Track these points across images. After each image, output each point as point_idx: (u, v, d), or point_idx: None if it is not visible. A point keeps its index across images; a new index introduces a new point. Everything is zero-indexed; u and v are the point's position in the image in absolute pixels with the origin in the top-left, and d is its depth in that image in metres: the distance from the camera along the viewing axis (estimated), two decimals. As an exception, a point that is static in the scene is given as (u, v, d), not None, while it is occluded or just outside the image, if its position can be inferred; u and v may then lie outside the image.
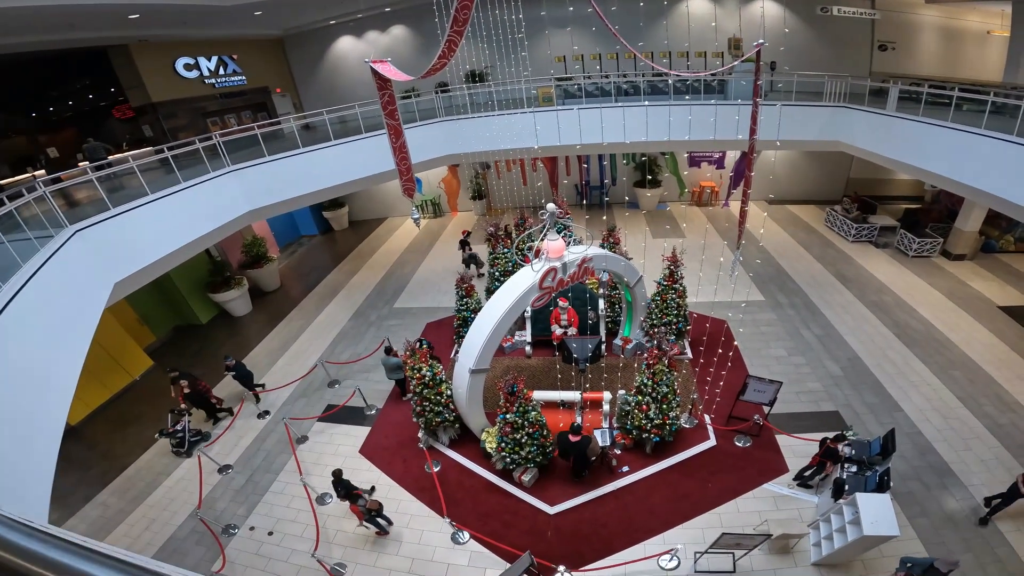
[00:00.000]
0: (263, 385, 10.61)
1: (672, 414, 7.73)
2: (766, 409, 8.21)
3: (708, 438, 8.37)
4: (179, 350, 13.29)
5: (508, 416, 7.29)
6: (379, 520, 7.09)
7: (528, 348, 10.57)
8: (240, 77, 17.35)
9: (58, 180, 8.05)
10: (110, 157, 10.21)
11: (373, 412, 9.82)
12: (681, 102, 11.88)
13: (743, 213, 7.81)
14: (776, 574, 6.34)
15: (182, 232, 9.16)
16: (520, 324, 10.76)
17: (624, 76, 14.16)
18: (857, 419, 8.51)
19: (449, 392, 8.21)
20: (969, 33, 16.28)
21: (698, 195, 18.83)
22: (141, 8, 11.09)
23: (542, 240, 7.54)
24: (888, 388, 9.15)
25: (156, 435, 9.48)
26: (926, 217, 14.68)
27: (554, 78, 14.16)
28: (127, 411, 10.96)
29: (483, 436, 8.19)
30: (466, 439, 8.71)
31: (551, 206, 7.24)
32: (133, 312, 12.67)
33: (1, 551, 0.81)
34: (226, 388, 10.89)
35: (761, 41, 6.26)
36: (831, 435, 7.17)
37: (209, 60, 16.21)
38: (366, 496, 7.31)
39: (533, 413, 7.41)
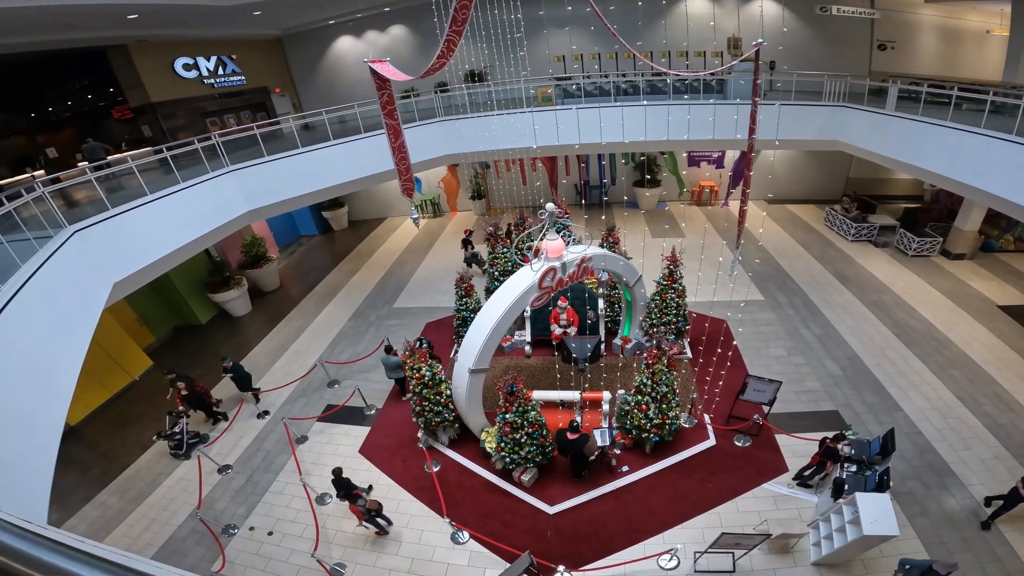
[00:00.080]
0: (258, 388, 10.57)
1: (671, 414, 7.73)
2: (766, 409, 8.21)
3: (708, 438, 8.37)
4: (178, 350, 13.28)
5: (507, 416, 7.29)
6: (379, 520, 7.08)
7: (527, 348, 10.57)
8: (239, 77, 17.33)
9: (57, 180, 8.05)
10: (109, 157, 10.20)
11: (373, 412, 9.82)
12: (680, 102, 11.87)
13: (742, 212, 7.80)
14: (776, 574, 6.34)
15: (181, 232, 9.15)
16: (519, 324, 10.77)
17: (623, 76, 14.15)
18: (857, 419, 8.51)
19: (448, 392, 8.20)
20: (968, 32, 16.28)
21: (697, 195, 18.83)
22: (140, 8, 11.08)
23: (541, 240, 7.54)
24: (888, 387, 9.15)
25: (154, 437, 9.47)
26: (925, 216, 14.68)
27: (553, 78, 14.17)
28: (127, 411, 10.95)
29: (483, 436, 8.19)
30: (466, 439, 8.71)
31: (550, 206, 7.24)
32: (132, 312, 12.66)
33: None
34: (225, 389, 10.88)
35: (760, 40, 6.25)
36: (831, 435, 7.17)
37: (208, 60, 16.19)
38: (365, 496, 7.31)
39: (532, 413, 7.41)
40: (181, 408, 9.62)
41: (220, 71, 16.66)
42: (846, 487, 6.46)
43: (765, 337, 10.83)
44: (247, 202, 10.72)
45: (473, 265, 14.68)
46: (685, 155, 18.31)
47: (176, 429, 9.26)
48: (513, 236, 12.19)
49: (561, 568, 6.43)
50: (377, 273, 16.14)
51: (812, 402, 8.98)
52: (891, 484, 6.53)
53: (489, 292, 11.24)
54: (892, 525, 5.61)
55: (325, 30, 18.46)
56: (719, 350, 9.49)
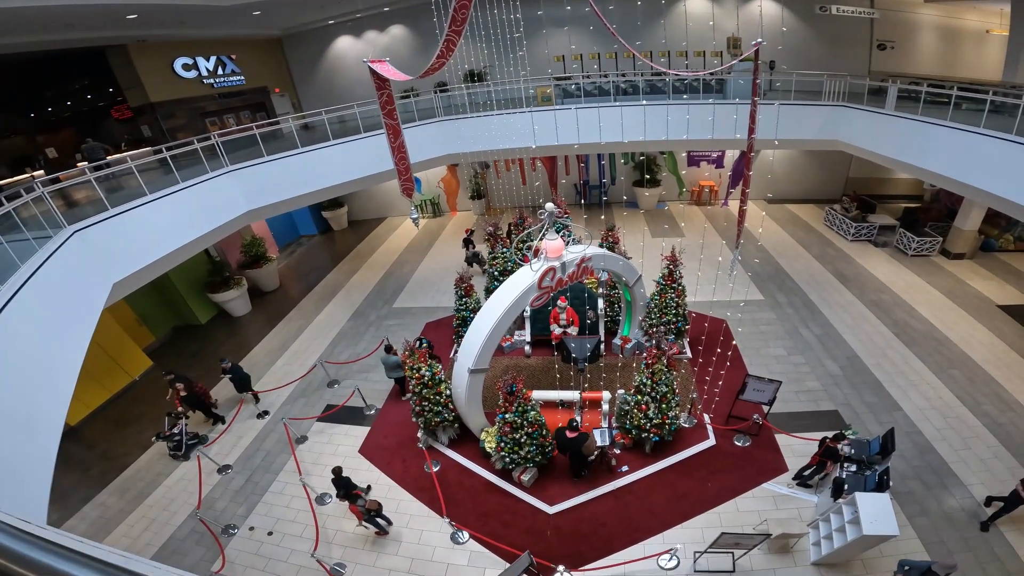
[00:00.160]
0: (255, 391, 10.53)
1: (671, 413, 7.73)
2: (765, 408, 8.21)
3: (707, 437, 8.37)
4: (178, 350, 13.28)
5: (507, 416, 7.29)
6: (378, 520, 7.08)
7: (527, 348, 10.57)
8: (239, 77, 17.33)
9: (57, 180, 8.05)
10: (109, 157, 10.20)
11: (372, 412, 9.82)
12: (679, 101, 11.87)
13: (742, 212, 7.80)
14: (775, 574, 6.34)
15: (181, 232, 9.15)
16: (519, 324, 10.77)
17: (622, 76, 14.15)
18: (856, 418, 8.51)
19: (448, 392, 8.20)
20: (968, 32, 16.28)
21: (697, 194, 18.83)
22: (140, 8, 11.08)
23: (541, 239, 7.54)
24: (887, 387, 9.15)
25: (153, 438, 9.48)
26: (925, 216, 14.68)
27: (552, 77, 14.16)
28: (126, 411, 10.95)
29: (482, 436, 8.19)
30: (465, 439, 8.71)
31: (550, 205, 7.24)
32: (132, 312, 12.66)
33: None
34: (223, 391, 10.87)
35: (759, 40, 6.26)
36: (830, 434, 7.16)
37: (208, 60, 16.19)
38: (365, 496, 7.31)
39: (532, 413, 7.41)
40: (180, 409, 9.61)
41: (220, 71, 16.67)
42: (846, 487, 6.46)
43: (765, 337, 10.83)
44: (247, 202, 10.72)
45: (474, 264, 14.69)
46: (685, 155, 18.30)
47: (175, 430, 9.25)
48: (513, 236, 12.18)
49: (561, 568, 6.43)
50: (377, 273, 16.14)
51: (812, 402, 8.98)
52: (891, 484, 6.53)
53: (489, 292, 11.24)
54: (892, 525, 5.61)
55: (325, 30, 18.45)
56: (719, 350, 9.49)
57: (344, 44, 18.75)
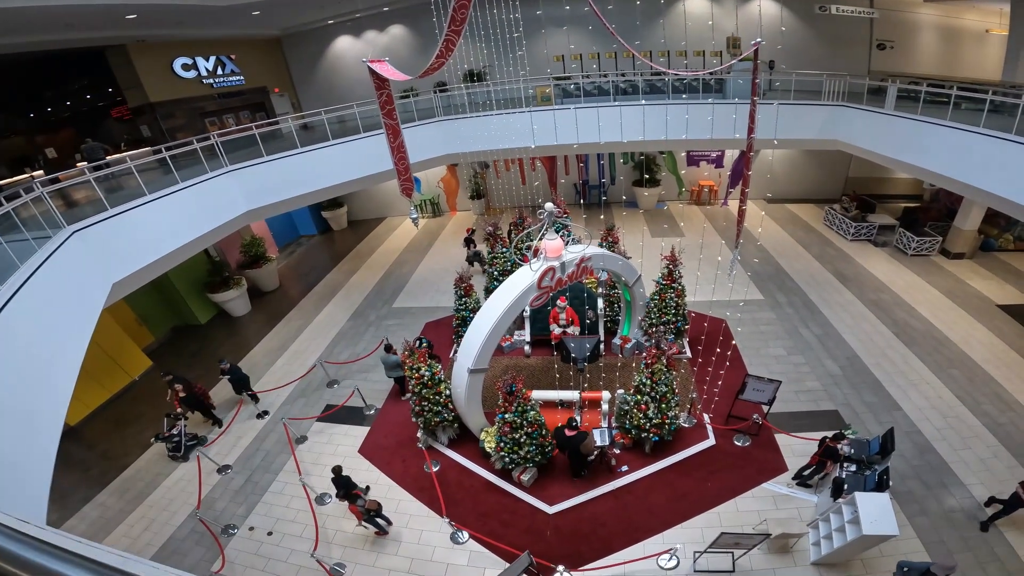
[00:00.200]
0: (254, 392, 10.51)
1: (671, 413, 7.73)
2: (765, 408, 8.21)
3: (707, 437, 8.37)
4: (178, 350, 13.27)
5: (507, 416, 7.28)
6: (378, 520, 7.08)
7: (527, 347, 10.55)
8: (238, 77, 17.33)
9: (56, 180, 8.04)
10: (108, 157, 10.19)
11: (372, 412, 9.82)
12: (679, 101, 11.87)
13: (741, 212, 7.80)
14: (775, 573, 6.34)
15: (180, 232, 9.15)
16: (519, 323, 10.75)
17: (622, 75, 14.15)
18: (856, 418, 8.51)
19: (448, 392, 8.20)
20: (968, 32, 16.28)
21: (697, 194, 18.83)
22: (139, 8, 11.08)
23: (540, 239, 7.54)
24: (887, 387, 9.15)
25: (152, 439, 9.47)
26: (925, 216, 14.68)
27: (552, 77, 14.16)
28: (126, 411, 10.95)
29: (482, 436, 8.19)
30: (465, 439, 8.71)
31: (549, 205, 7.24)
32: (132, 312, 12.65)
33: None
34: (222, 392, 10.85)
35: (759, 40, 6.26)
36: (830, 434, 7.15)
37: (207, 60, 16.19)
38: (364, 496, 7.31)
39: (532, 413, 7.40)
40: (179, 410, 9.61)
41: (219, 71, 16.66)
42: (845, 487, 6.46)
43: (764, 336, 10.84)
44: (246, 202, 10.71)
45: (475, 263, 14.69)
46: (684, 155, 18.30)
47: (174, 431, 9.25)
48: (512, 236, 12.18)
49: (560, 568, 6.43)
50: (376, 273, 16.14)
51: (811, 401, 8.98)
52: (890, 483, 6.53)
53: (488, 292, 11.24)
54: (892, 525, 5.61)
55: (324, 30, 18.45)
56: (718, 350, 9.49)
57: (344, 44, 18.75)
